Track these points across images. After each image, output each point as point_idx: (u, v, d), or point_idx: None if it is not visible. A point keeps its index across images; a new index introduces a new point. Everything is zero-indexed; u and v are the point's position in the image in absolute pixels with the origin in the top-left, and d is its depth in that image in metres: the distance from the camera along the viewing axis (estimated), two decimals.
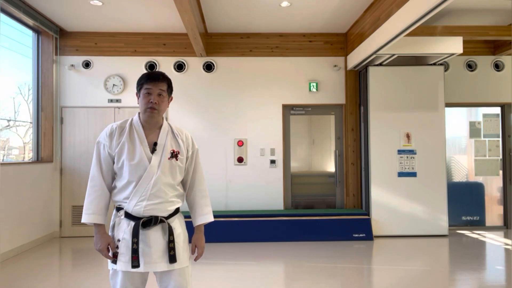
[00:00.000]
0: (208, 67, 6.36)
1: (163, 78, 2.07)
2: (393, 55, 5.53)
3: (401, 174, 5.98)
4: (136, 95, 2.10)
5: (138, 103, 2.09)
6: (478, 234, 6.17)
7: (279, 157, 6.37)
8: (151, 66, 6.30)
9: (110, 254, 2.01)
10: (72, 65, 6.19)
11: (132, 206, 1.99)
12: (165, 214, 2.03)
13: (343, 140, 6.47)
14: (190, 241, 2.18)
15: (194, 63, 6.36)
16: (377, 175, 5.98)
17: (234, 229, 5.75)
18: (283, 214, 5.95)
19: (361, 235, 5.78)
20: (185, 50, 6.32)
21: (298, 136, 6.52)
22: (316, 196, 6.52)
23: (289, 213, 6.00)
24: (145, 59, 6.29)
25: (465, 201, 6.54)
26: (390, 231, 5.94)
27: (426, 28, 5.29)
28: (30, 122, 6.11)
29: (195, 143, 2.21)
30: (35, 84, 6.03)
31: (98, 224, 2.02)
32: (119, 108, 6.22)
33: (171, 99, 2.17)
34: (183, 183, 2.17)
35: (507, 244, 5.55)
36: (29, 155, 6.14)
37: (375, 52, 5.31)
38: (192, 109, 6.33)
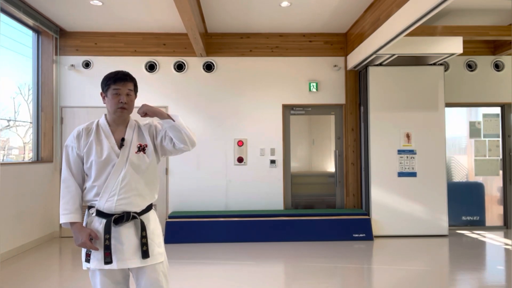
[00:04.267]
0: (208, 67, 6.36)
1: (130, 79, 2.11)
2: (393, 55, 5.53)
3: (401, 174, 5.98)
4: (101, 95, 2.13)
5: (104, 103, 2.11)
6: (478, 234, 6.17)
7: (279, 157, 6.37)
8: (151, 66, 6.30)
9: (97, 245, 2.00)
10: (72, 65, 6.19)
11: (104, 203, 2.01)
12: (138, 210, 2.05)
13: (343, 140, 6.47)
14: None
15: (194, 63, 6.36)
16: (377, 175, 5.98)
17: (234, 229, 5.75)
18: (283, 214, 5.95)
19: (361, 235, 5.78)
20: (185, 50, 6.32)
21: (298, 136, 6.52)
22: (316, 196, 6.52)
23: (289, 213, 6.00)
24: (145, 59, 6.29)
25: (465, 201, 6.54)
26: (390, 231, 5.94)
27: (426, 28, 5.29)
28: (30, 122, 6.11)
29: (154, 121, 2.18)
30: (35, 84, 6.03)
31: (74, 222, 2.03)
32: None
33: (136, 97, 2.18)
34: (169, 145, 2.10)
35: (507, 244, 5.55)
36: (29, 155, 6.13)
37: (375, 52, 5.31)
38: (192, 109, 6.33)
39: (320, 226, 5.80)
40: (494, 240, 5.79)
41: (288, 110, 6.48)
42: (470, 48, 6.42)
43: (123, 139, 2.07)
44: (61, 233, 6.12)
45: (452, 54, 5.59)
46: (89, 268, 2.04)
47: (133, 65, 6.25)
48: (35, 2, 5.19)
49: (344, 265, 4.65)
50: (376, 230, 5.92)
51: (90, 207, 2.07)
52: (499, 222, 6.60)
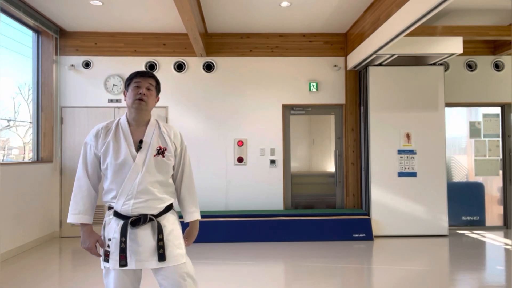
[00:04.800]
0: (208, 67, 6.36)
1: (152, 76, 2.13)
2: (393, 55, 5.53)
3: (401, 174, 5.98)
4: (124, 93, 2.12)
5: (125, 100, 2.11)
6: (478, 234, 6.17)
7: (279, 157, 6.37)
8: (151, 66, 6.30)
9: (101, 252, 2.02)
10: (72, 65, 6.19)
11: (120, 206, 1.99)
12: (155, 212, 2.03)
13: (343, 140, 6.47)
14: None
15: (194, 63, 6.36)
16: (377, 175, 5.98)
17: (234, 229, 5.75)
18: (283, 214, 5.95)
19: (361, 235, 5.78)
20: (185, 50, 6.32)
21: (298, 136, 6.52)
22: (316, 196, 6.52)
23: (289, 213, 6.00)
24: (145, 59, 6.29)
25: (465, 201, 6.54)
26: (390, 231, 5.94)
27: (426, 28, 5.29)
28: (30, 122, 6.11)
29: (183, 140, 2.21)
30: (35, 84, 6.03)
31: (85, 224, 2.03)
32: (119, 108, 6.22)
33: (158, 100, 2.18)
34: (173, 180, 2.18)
35: (507, 244, 5.55)
36: (29, 155, 6.14)
37: (375, 52, 5.31)
38: (192, 109, 6.33)
39: (320, 226, 5.80)
40: (494, 240, 5.79)
41: (288, 110, 6.48)
42: (470, 48, 6.42)
43: (141, 141, 2.04)
44: (61, 233, 6.12)
45: (452, 54, 5.59)
46: (105, 267, 2.03)
47: (133, 65, 6.25)
48: (35, 2, 5.19)
49: (344, 265, 4.65)
50: (376, 230, 5.92)
51: (109, 208, 2.06)
52: (499, 222, 6.60)
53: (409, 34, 4.78)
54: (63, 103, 6.21)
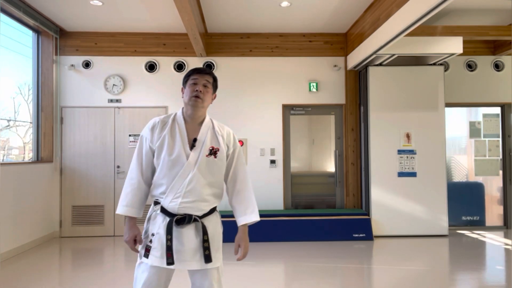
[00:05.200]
0: (208, 67, 6.36)
1: (210, 73, 2.12)
2: (393, 55, 5.53)
3: (401, 174, 5.98)
4: (182, 90, 2.11)
5: (182, 97, 2.09)
6: (478, 234, 6.17)
7: (279, 157, 6.37)
8: (151, 66, 6.30)
9: (139, 248, 2.01)
10: (72, 65, 6.19)
11: (168, 202, 1.97)
12: (199, 213, 2.00)
13: (343, 140, 6.47)
14: (233, 241, 2.13)
15: (194, 63, 6.35)
16: (377, 175, 5.98)
17: (234, 229, 5.72)
18: (283, 214, 5.95)
19: (361, 235, 5.78)
20: (185, 50, 6.32)
21: (298, 136, 6.52)
22: (316, 196, 6.52)
23: (289, 213, 6.00)
24: (145, 59, 6.29)
25: (465, 201, 6.54)
26: (390, 231, 5.94)
27: (426, 28, 5.29)
28: (30, 122, 6.11)
29: (237, 140, 2.16)
30: (35, 84, 6.03)
31: (130, 217, 2.01)
32: (119, 108, 6.22)
33: (215, 97, 2.18)
34: (225, 182, 2.14)
35: (507, 244, 5.55)
36: (29, 155, 6.14)
37: (375, 52, 5.31)
38: None
39: (320, 226, 5.80)
40: (494, 240, 5.79)
41: (288, 110, 6.48)
42: (470, 48, 6.42)
43: (195, 140, 2.02)
44: (61, 233, 6.12)
45: (452, 54, 5.59)
46: (142, 262, 2.00)
47: (133, 65, 6.25)
48: (35, 2, 5.19)
49: (344, 265, 4.65)
50: (376, 230, 5.92)
51: (156, 203, 2.04)
52: (499, 222, 6.60)
53: (409, 34, 4.78)
54: (63, 103, 6.21)
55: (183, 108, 2.11)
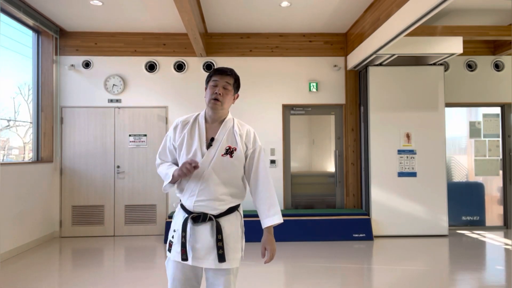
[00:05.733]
0: (208, 67, 6.36)
1: (230, 73, 2.10)
2: (393, 55, 5.53)
3: (401, 174, 5.98)
4: (205, 90, 2.13)
5: (205, 97, 2.11)
6: (478, 234, 6.17)
7: (279, 157, 6.37)
8: (151, 66, 6.30)
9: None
10: (72, 65, 6.19)
11: (185, 200, 2.04)
12: (214, 212, 2.00)
13: (343, 140, 6.47)
14: (260, 242, 2.11)
15: (194, 63, 6.36)
16: (377, 175, 5.98)
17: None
18: (283, 214, 5.91)
19: (361, 235, 5.78)
20: (185, 50, 6.32)
21: (298, 136, 6.52)
22: (316, 196, 6.52)
23: (289, 213, 6.00)
24: (145, 59, 6.29)
25: (465, 201, 6.54)
26: (390, 231, 5.94)
27: (426, 28, 5.29)
28: (30, 122, 6.11)
29: (258, 140, 2.13)
30: (35, 84, 6.03)
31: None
32: (119, 108, 6.22)
33: (237, 96, 2.18)
34: (248, 182, 2.14)
35: (507, 244, 5.55)
36: (29, 155, 6.14)
37: (375, 52, 5.31)
38: (192, 109, 6.31)
39: (320, 226, 5.80)
40: (494, 240, 5.79)
41: (288, 110, 6.48)
42: (470, 48, 6.42)
43: (212, 139, 2.03)
44: (61, 233, 6.12)
45: (452, 54, 5.59)
46: (168, 258, 2.06)
47: (133, 65, 6.25)
48: (35, 2, 5.19)
49: (344, 265, 4.65)
50: (376, 230, 5.92)
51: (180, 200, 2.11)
52: (499, 222, 6.60)
53: (409, 34, 4.78)
54: (63, 103, 6.21)
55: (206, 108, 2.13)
